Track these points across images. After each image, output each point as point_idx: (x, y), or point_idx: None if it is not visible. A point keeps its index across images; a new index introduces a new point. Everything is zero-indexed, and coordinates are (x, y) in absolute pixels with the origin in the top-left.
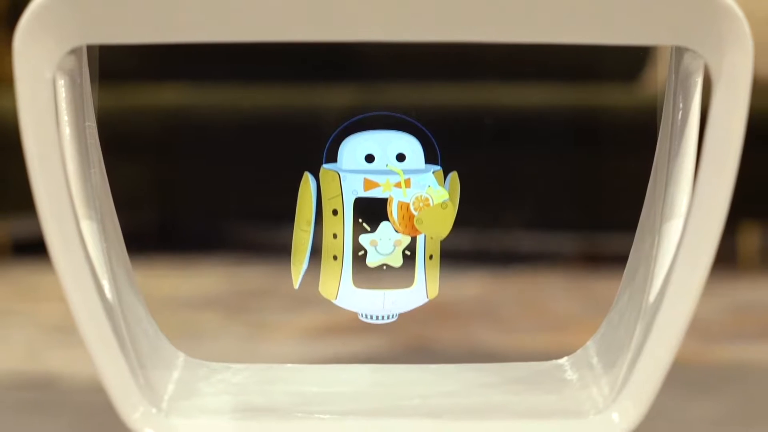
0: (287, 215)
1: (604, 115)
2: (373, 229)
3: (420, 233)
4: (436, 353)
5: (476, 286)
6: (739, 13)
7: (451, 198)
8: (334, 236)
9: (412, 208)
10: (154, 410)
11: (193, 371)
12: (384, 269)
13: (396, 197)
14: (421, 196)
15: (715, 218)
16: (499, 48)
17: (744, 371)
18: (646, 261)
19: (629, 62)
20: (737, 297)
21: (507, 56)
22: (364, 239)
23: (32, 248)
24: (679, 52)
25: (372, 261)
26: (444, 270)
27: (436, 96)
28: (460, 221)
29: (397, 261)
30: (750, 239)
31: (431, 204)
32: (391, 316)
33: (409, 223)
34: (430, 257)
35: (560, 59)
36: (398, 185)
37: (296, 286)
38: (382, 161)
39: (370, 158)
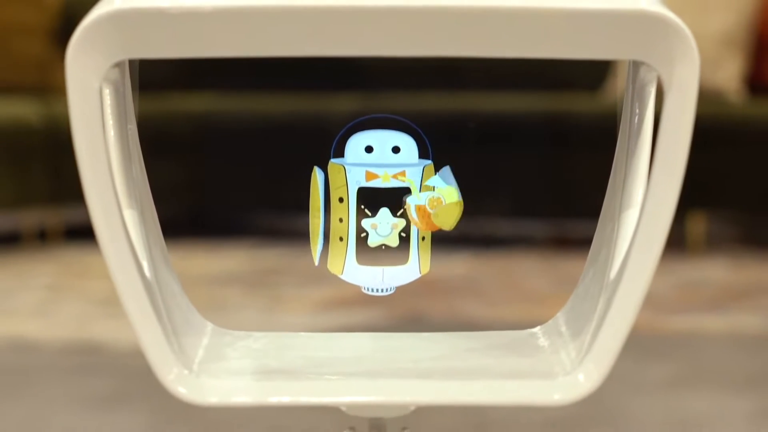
0: (299, 205)
1: (571, 119)
2: (374, 214)
3: (437, 227)
4: (427, 323)
5: (462, 265)
6: (688, 32)
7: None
8: (340, 220)
9: (427, 207)
10: (186, 372)
11: (219, 338)
12: (383, 249)
13: (412, 203)
14: (434, 197)
15: (667, 207)
16: (483, 61)
17: (691, 339)
18: (608, 244)
19: (593, 74)
20: (685, 275)
21: (489, 69)
22: (365, 223)
23: (82, 233)
24: (635, 65)
25: (372, 241)
26: (434, 251)
27: (429, 102)
28: None
29: (394, 241)
30: (696, 225)
31: (443, 202)
32: (389, 289)
33: (428, 220)
34: (423, 239)
35: (535, 71)
36: (395, 176)
37: (316, 262)
38: (380, 152)
39: (369, 149)
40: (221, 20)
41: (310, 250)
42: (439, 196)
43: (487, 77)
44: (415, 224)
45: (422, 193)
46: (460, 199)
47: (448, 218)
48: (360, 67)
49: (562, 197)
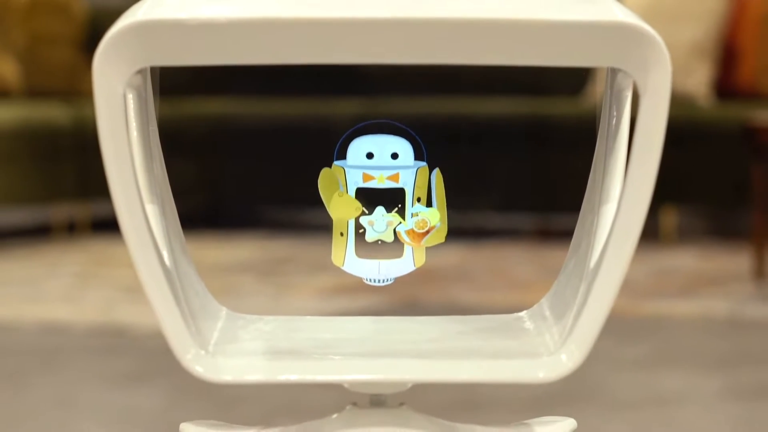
0: (306, 200)
1: (555, 121)
2: (371, 212)
3: (430, 245)
4: (423, 308)
5: (455, 256)
6: (661, 41)
7: (437, 193)
8: None
9: (415, 229)
10: (202, 352)
11: (233, 322)
12: (379, 243)
13: (401, 229)
14: (419, 220)
15: (642, 202)
16: (474, 69)
17: (664, 322)
18: (588, 235)
19: (574, 80)
20: (658, 263)
21: (480, 75)
22: (363, 220)
23: (108, 226)
24: (613, 72)
25: (370, 237)
26: None
27: (425, 106)
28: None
29: (389, 237)
30: (669, 218)
31: (428, 223)
32: (388, 280)
33: (419, 238)
34: None
35: (521, 78)
36: (389, 178)
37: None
38: (379, 158)
39: (369, 155)
40: (235, 31)
41: (316, 241)
42: (424, 218)
43: (478, 83)
44: (410, 245)
45: (409, 219)
46: (442, 220)
47: (437, 238)
48: (362, 74)
49: (546, 193)
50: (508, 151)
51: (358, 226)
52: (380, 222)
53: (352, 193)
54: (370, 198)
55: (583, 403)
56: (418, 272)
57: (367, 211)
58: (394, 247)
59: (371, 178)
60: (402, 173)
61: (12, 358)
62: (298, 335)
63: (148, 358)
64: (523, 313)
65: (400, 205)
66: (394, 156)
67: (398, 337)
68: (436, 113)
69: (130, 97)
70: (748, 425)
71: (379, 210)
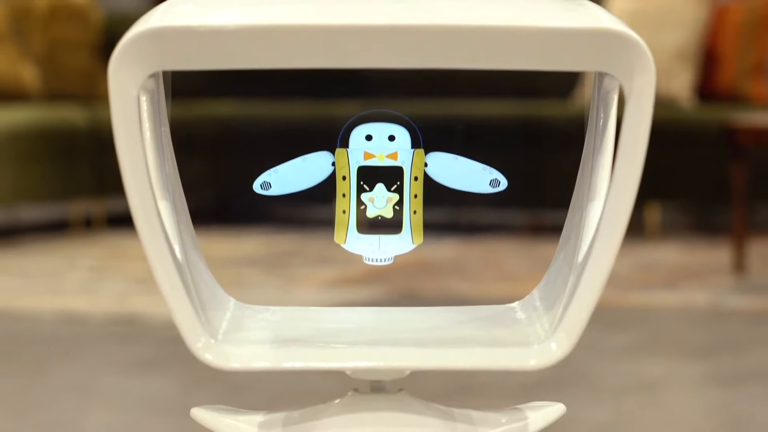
0: (310, 197)
1: (545, 122)
2: (371, 189)
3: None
4: (421, 299)
5: (451, 249)
6: (646, 47)
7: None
8: (344, 195)
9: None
10: (212, 341)
11: (240, 312)
12: (379, 219)
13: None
14: None
15: (627, 199)
16: (470, 73)
17: (648, 312)
18: (576, 230)
19: (564, 84)
20: (643, 257)
21: (474, 79)
22: (364, 197)
23: (122, 221)
24: (600, 76)
25: (370, 213)
26: (426, 237)
27: (422, 108)
28: (439, 202)
29: (388, 213)
30: (653, 214)
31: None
32: (387, 259)
33: None
34: (414, 212)
35: (514, 81)
36: (389, 156)
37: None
38: (378, 140)
39: (369, 137)
40: (242, 37)
41: (319, 236)
42: None
43: (473, 86)
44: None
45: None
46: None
47: None
48: (361, 78)
49: (537, 190)
50: (501, 150)
51: (360, 203)
52: (380, 198)
53: (354, 171)
54: (371, 176)
55: (571, 389)
56: (415, 264)
57: (368, 188)
58: (394, 222)
59: (372, 155)
60: (400, 153)
61: (32, 347)
62: (303, 325)
63: (161, 346)
64: (515, 304)
65: (399, 182)
66: (391, 138)
67: (397, 326)
68: (432, 114)
69: (144, 100)
70: (727, 408)
71: (380, 187)
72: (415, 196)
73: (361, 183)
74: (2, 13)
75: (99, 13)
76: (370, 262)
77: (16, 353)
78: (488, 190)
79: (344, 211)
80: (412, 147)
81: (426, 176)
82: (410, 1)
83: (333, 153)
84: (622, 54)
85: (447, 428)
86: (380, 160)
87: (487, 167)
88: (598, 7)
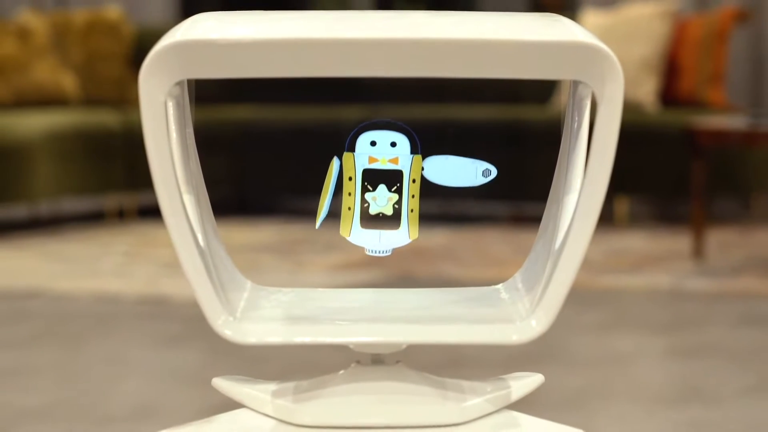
0: (318, 191)
1: (526, 124)
2: (374, 189)
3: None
4: (416, 281)
5: (442, 237)
6: (615, 58)
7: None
8: (349, 194)
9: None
10: (231, 318)
11: (256, 293)
12: (380, 216)
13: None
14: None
15: (599, 192)
16: (459, 81)
17: (617, 293)
18: (554, 220)
19: (543, 90)
20: (613, 244)
21: (464, 86)
22: (368, 196)
23: (152, 212)
24: (575, 83)
25: (373, 210)
26: (422, 226)
27: (417, 112)
28: (432, 195)
29: (389, 211)
30: (622, 206)
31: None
32: (387, 251)
33: None
34: (411, 210)
35: (497, 88)
36: (391, 161)
37: (317, 226)
38: (381, 146)
39: (373, 143)
40: (258, 49)
41: (326, 226)
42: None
43: (462, 93)
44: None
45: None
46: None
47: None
48: (364, 85)
49: (519, 184)
50: (487, 149)
51: (364, 201)
52: (382, 198)
53: (359, 173)
54: (374, 178)
55: (549, 361)
56: (411, 251)
57: (371, 188)
58: (393, 219)
59: (375, 160)
60: (401, 157)
61: (72, 323)
62: (311, 304)
63: (186, 323)
64: (499, 286)
65: (399, 184)
66: (393, 144)
67: (395, 305)
68: (426, 118)
69: (170, 105)
70: (686, 377)
71: (382, 187)
72: (413, 197)
73: (365, 184)
74: (45, 27)
75: (130, 27)
76: (371, 254)
77: (58, 329)
78: (481, 181)
79: (349, 208)
80: (412, 153)
81: (423, 178)
82: (407, 17)
83: (340, 156)
84: (595, 64)
85: (439, 396)
86: (383, 164)
87: (476, 160)
88: (573, 22)
